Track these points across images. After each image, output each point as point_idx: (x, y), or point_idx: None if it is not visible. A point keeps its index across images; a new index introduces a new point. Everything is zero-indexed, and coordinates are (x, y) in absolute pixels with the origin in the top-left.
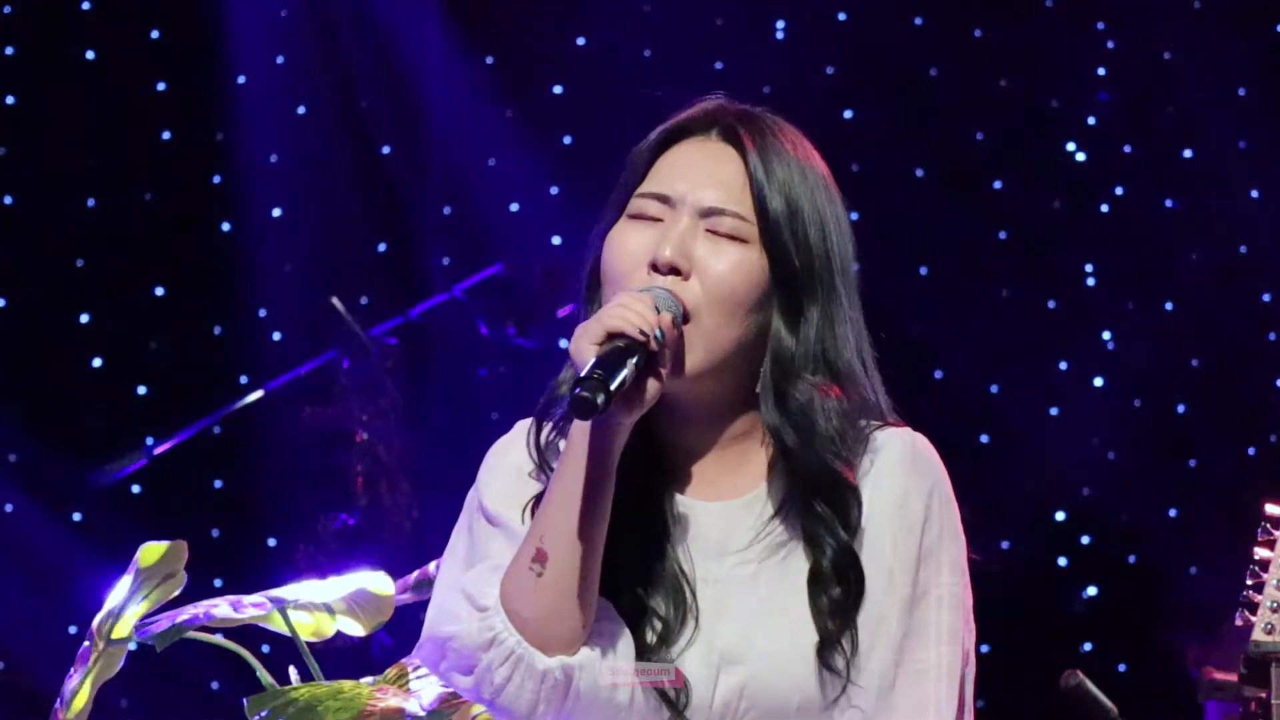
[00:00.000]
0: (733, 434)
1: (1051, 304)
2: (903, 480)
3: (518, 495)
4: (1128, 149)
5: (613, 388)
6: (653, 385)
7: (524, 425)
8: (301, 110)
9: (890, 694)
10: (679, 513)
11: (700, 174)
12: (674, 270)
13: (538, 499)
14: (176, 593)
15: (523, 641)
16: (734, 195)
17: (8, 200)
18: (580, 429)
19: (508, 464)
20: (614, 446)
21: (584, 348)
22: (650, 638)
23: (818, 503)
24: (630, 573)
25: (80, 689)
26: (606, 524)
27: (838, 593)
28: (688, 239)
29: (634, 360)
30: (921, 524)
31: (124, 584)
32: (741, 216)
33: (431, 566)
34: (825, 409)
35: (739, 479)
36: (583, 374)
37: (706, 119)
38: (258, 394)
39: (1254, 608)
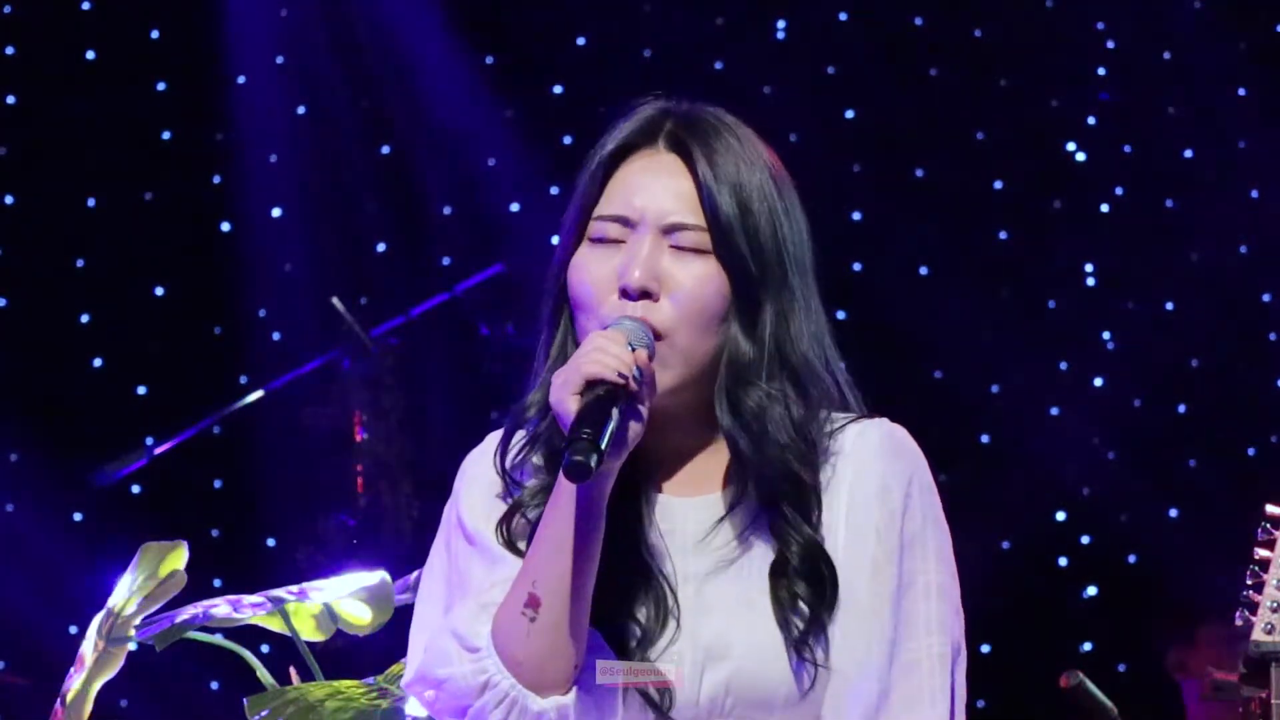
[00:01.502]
0: (707, 434)
1: (1051, 304)
2: (882, 469)
3: (493, 511)
4: (1128, 149)
5: (603, 445)
6: (635, 427)
7: (495, 438)
8: (301, 110)
9: (886, 687)
10: (656, 510)
11: (656, 191)
12: (645, 295)
13: (508, 517)
14: (176, 593)
15: (516, 684)
16: (691, 207)
17: (8, 200)
18: (577, 492)
19: (481, 478)
20: (603, 492)
21: (565, 398)
22: (632, 639)
23: (779, 502)
24: (610, 573)
25: (80, 689)
26: (597, 565)
27: (803, 588)
28: (653, 260)
29: (617, 407)
30: (902, 511)
31: (124, 584)
32: (702, 228)
33: None
34: (778, 416)
35: (715, 474)
36: (570, 435)
37: (652, 129)
38: (258, 394)
39: (1254, 608)
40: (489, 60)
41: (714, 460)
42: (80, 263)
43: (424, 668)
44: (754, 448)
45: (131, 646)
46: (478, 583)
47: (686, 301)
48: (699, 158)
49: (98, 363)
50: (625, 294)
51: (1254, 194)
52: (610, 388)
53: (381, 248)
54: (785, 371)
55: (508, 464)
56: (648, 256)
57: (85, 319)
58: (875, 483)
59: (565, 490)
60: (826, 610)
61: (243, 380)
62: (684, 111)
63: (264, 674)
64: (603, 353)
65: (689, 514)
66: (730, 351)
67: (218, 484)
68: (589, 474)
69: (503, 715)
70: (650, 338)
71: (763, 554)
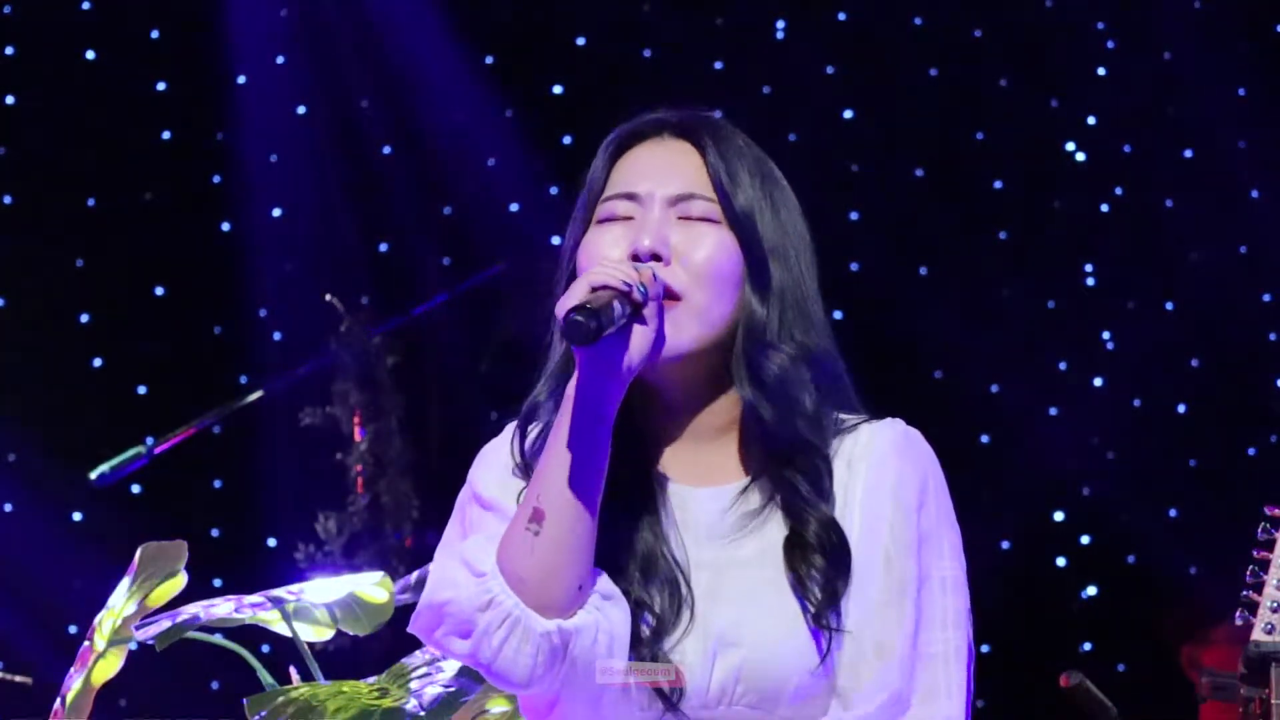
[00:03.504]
0: (720, 420)
1: (1051, 304)
2: (897, 466)
3: (509, 485)
4: (1128, 149)
5: (601, 316)
6: (641, 335)
7: (512, 428)
8: (301, 110)
9: (903, 680)
10: (670, 499)
11: (662, 167)
12: (655, 257)
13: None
14: (176, 593)
15: (520, 604)
16: (699, 181)
17: (8, 200)
18: (575, 388)
19: (498, 461)
20: (607, 401)
21: (568, 306)
22: (646, 628)
23: (794, 476)
24: (624, 562)
25: (80, 689)
26: (603, 483)
27: (819, 561)
28: (663, 228)
29: (620, 304)
30: (917, 508)
31: (124, 584)
32: (710, 198)
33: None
34: (801, 381)
35: (728, 464)
36: (573, 305)
37: (658, 122)
38: (258, 394)
39: (1254, 608)
40: (489, 60)
41: (727, 450)
42: (80, 263)
43: (429, 594)
44: (776, 415)
45: (131, 646)
46: (492, 531)
47: (699, 264)
48: (707, 141)
49: (98, 363)
50: (636, 258)
51: (1254, 194)
52: (615, 293)
53: (382, 248)
54: (799, 347)
55: (526, 450)
56: (657, 224)
57: (85, 319)
58: (890, 480)
59: (571, 405)
60: (842, 581)
61: (243, 380)
62: (689, 110)
63: (264, 674)
64: (605, 267)
65: (703, 504)
66: (746, 318)
67: (218, 484)
68: (587, 333)
69: (505, 634)
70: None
71: (776, 542)
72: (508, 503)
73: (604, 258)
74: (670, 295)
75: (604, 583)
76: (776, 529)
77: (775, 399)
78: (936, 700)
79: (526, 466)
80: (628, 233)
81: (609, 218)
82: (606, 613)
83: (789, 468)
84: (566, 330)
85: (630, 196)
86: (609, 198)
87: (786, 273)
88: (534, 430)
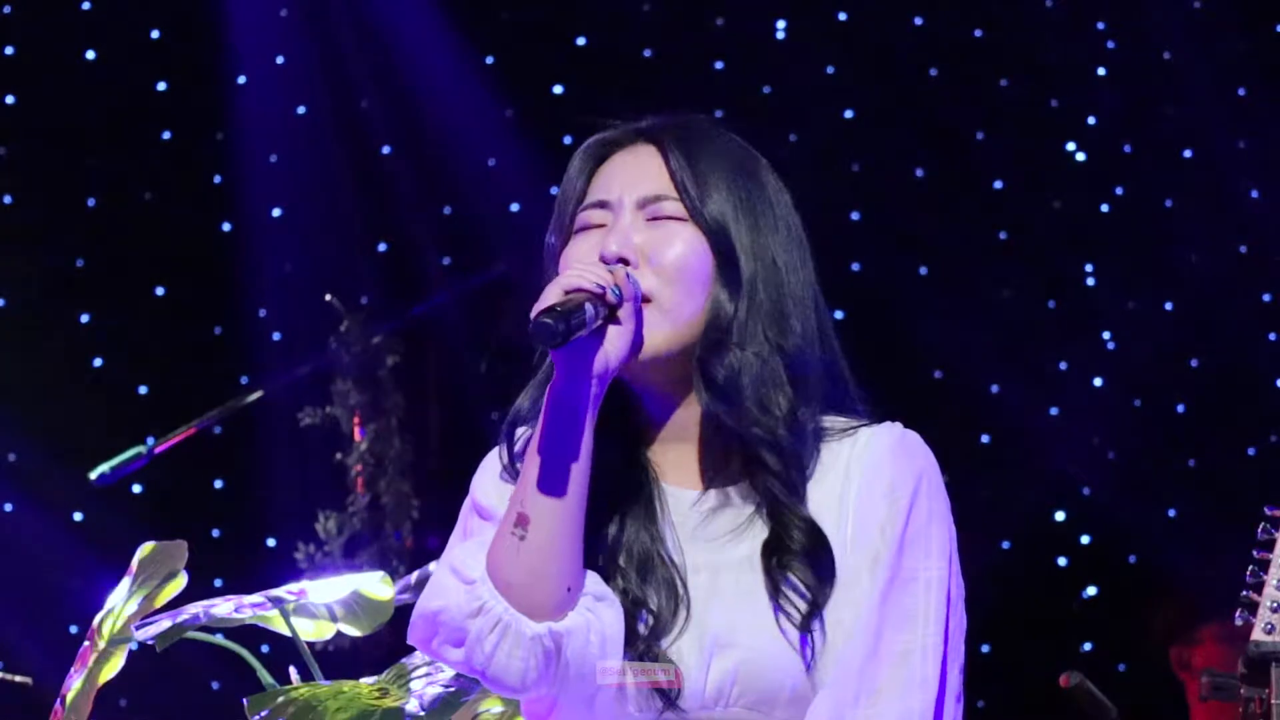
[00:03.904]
0: (710, 421)
1: (1051, 304)
2: (891, 468)
3: (506, 492)
4: (1128, 149)
5: (572, 319)
6: (615, 333)
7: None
8: (301, 110)
9: (876, 675)
10: (665, 501)
11: (631, 173)
12: (621, 261)
13: None
14: (176, 593)
15: (510, 608)
16: (667, 183)
17: (8, 200)
18: (550, 391)
19: (495, 468)
20: (583, 403)
21: (539, 309)
22: (643, 628)
23: (768, 478)
24: (620, 564)
25: (80, 689)
26: (586, 485)
27: (802, 569)
28: (631, 232)
29: (592, 305)
30: (908, 508)
31: (124, 584)
32: (675, 198)
33: (431, 566)
34: (754, 378)
35: (714, 466)
36: (543, 308)
37: (631, 132)
38: (258, 394)
39: (1254, 608)
40: (489, 60)
41: (712, 452)
42: (80, 263)
43: (423, 604)
44: (731, 416)
45: (132, 646)
46: (485, 538)
47: (667, 264)
48: (672, 142)
49: (98, 363)
50: (603, 262)
51: (1254, 194)
52: (588, 295)
53: (382, 248)
54: (771, 346)
55: (514, 453)
56: (625, 228)
57: (85, 319)
58: (884, 482)
59: (550, 408)
60: (827, 584)
61: (243, 380)
62: (665, 115)
63: (264, 674)
64: (578, 269)
65: (695, 506)
66: (711, 316)
67: (218, 484)
68: (554, 336)
69: (496, 640)
70: (630, 277)
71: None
72: (502, 509)
73: (579, 262)
74: (642, 298)
75: (594, 583)
76: (765, 532)
77: (727, 400)
78: (911, 693)
79: (516, 471)
80: (600, 238)
81: (584, 227)
82: (598, 613)
83: (762, 470)
84: (534, 333)
85: (602, 204)
86: (584, 208)
87: (762, 271)
88: (524, 434)
